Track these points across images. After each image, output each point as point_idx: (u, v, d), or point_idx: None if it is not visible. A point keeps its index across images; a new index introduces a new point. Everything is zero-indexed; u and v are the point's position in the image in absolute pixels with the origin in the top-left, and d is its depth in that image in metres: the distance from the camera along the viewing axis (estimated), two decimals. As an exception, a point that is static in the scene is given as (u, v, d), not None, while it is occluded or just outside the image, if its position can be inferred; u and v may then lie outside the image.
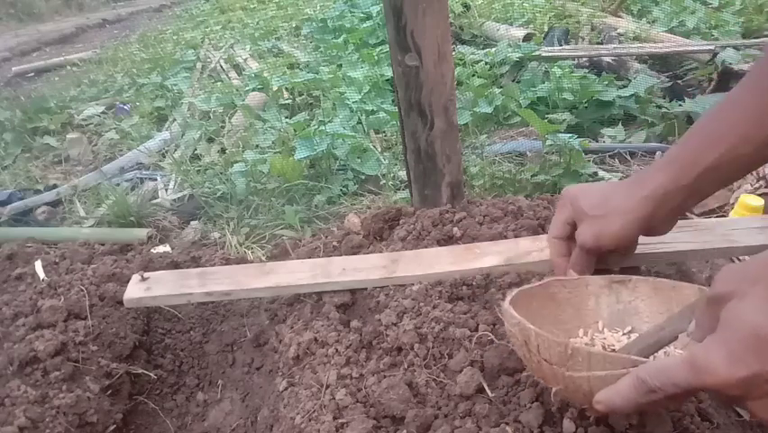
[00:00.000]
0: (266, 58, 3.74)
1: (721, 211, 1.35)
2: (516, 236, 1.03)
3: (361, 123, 2.32)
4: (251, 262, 1.40)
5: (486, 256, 0.92)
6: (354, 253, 1.15)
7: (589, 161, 1.74)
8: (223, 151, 2.32)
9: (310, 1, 5.49)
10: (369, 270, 0.96)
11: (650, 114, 2.18)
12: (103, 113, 3.15)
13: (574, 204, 0.75)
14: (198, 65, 3.80)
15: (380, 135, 2.27)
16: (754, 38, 2.80)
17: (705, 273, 1.09)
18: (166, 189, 2.07)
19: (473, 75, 2.70)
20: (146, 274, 1.01)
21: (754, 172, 1.37)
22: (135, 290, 0.99)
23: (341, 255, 1.16)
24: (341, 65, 3.05)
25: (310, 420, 0.75)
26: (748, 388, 0.44)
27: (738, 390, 0.44)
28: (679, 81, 2.45)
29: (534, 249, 0.92)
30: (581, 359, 0.54)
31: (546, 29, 3.36)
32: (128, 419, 1.02)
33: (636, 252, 0.80)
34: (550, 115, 2.15)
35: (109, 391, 0.97)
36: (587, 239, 0.73)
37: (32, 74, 4.93)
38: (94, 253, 1.40)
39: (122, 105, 3.20)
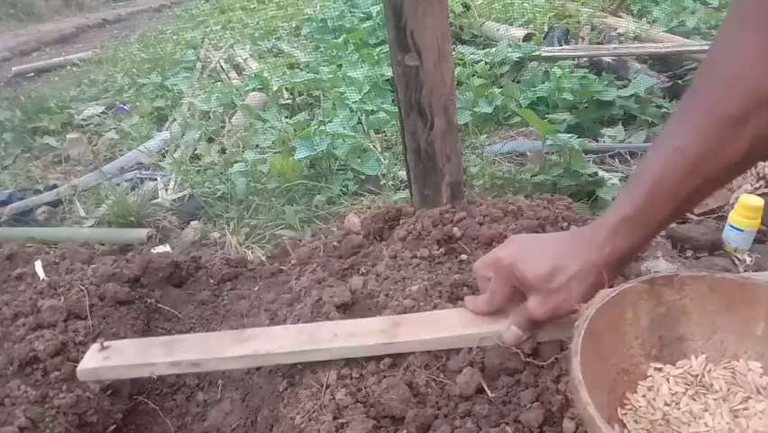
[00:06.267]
0: (266, 58, 3.73)
1: (721, 211, 1.35)
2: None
3: (361, 123, 2.32)
4: (251, 261, 1.40)
5: (505, 318, 0.77)
6: (354, 253, 1.15)
7: (589, 161, 1.74)
8: (223, 151, 2.32)
9: (310, 1, 5.48)
10: (365, 335, 0.83)
11: (650, 114, 2.18)
12: (103, 113, 3.15)
13: (518, 275, 0.67)
14: (198, 65, 3.80)
15: (380, 135, 2.27)
16: (754, 38, 2.80)
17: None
18: (166, 189, 2.07)
19: (473, 75, 2.70)
20: (106, 343, 0.90)
21: (753, 172, 1.37)
22: (91, 360, 0.88)
23: (340, 257, 1.16)
24: (341, 65, 3.04)
25: (310, 420, 0.75)
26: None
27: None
28: (679, 81, 2.45)
29: None
30: None
31: (546, 29, 3.36)
32: (128, 419, 1.01)
33: None
34: (550, 115, 2.15)
35: (109, 391, 0.96)
36: (541, 314, 0.66)
37: (32, 74, 4.93)
38: (94, 253, 1.41)
39: (122, 106, 3.20)
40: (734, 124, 0.53)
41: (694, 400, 0.60)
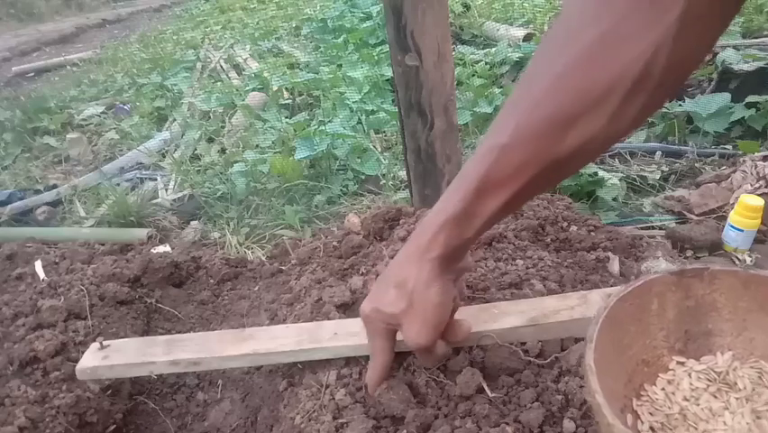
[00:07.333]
0: (266, 58, 3.74)
1: (721, 211, 1.35)
2: (515, 236, 1.03)
3: (361, 123, 2.32)
4: (251, 261, 1.40)
5: (505, 317, 0.79)
6: (354, 253, 1.15)
7: (589, 160, 1.75)
8: (223, 151, 2.32)
9: (310, 1, 5.49)
10: (365, 333, 0.83)
11: (650, 114, 2.18)
12: (103, 113, 3.16)
13: (380, 316, 0.66)
14: (198, 65, 3.80)
15: (380, 135, 2.27)
16: (754, 38, 2.80)
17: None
18: (166, 189, 2.08)
19: (473, 75, 2.70)
20: (105, 342, 0.90)
21: (753, 172, 1.37)
22: (90, 359, 0.87)
23: (340, 257, 1.16)
24: (341, 65, 3.05)
25: (310, 420, 0.75)
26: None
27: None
28: (679, 81, 2.45)
29: (562, 307, 0.78)
30: None
31: (546, 29, 3.36)
32: (128, 418, 1.01)
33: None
34: (550, 115, 2.15)
35: (109, 391, 0.97)
36: (416, 337, 0.64)
37: (32, 74, 4.93)
38: (94, 253, 1.40)
39: (122, 106, 3.21)
40: (562, 124, 0.49)
41: (715, 397, 0.58)
